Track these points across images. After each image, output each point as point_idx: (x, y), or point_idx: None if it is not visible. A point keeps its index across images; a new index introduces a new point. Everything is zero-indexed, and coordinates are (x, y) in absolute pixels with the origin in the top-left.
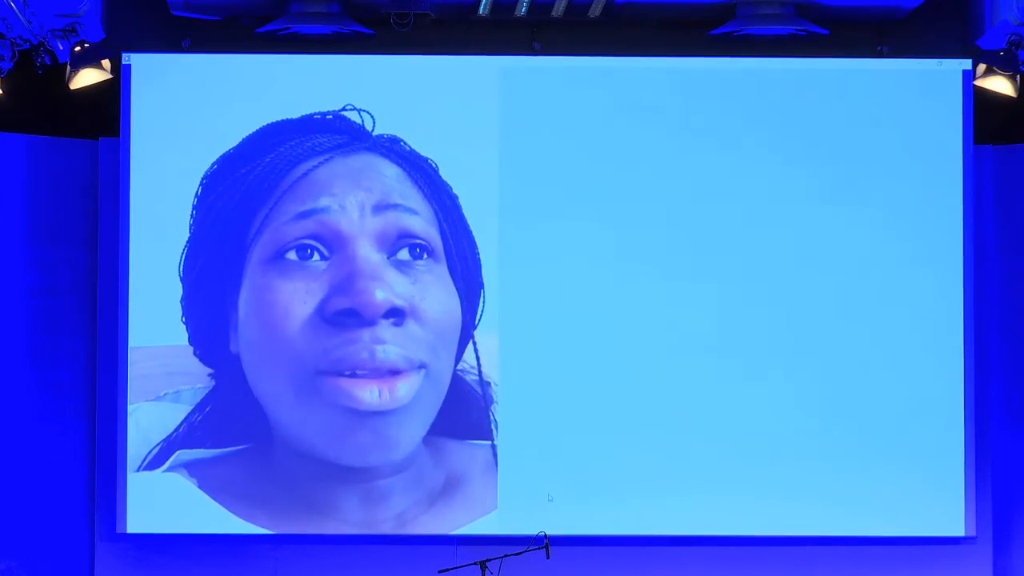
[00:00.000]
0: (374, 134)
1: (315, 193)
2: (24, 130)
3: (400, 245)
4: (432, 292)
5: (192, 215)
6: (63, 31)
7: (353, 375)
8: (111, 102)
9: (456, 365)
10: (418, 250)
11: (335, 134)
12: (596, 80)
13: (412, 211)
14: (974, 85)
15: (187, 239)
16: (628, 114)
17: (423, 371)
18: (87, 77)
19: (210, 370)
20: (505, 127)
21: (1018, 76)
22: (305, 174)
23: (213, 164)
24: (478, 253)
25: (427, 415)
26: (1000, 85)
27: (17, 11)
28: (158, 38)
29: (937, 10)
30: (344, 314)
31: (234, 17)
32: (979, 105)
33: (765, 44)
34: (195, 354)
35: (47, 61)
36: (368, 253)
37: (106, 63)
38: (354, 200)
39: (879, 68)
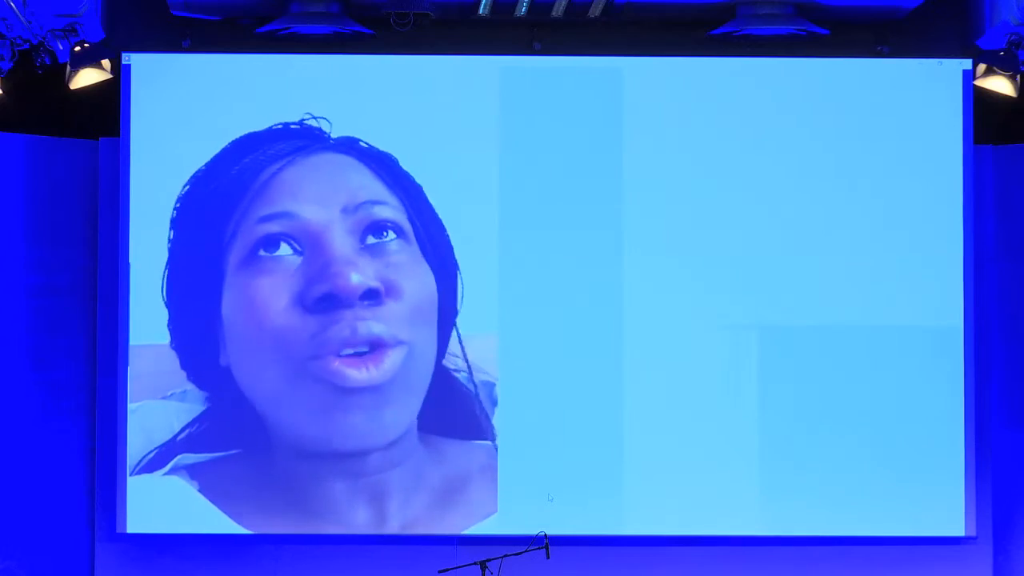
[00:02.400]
0: (332, 137)
1: (282, 194)
2: (24, 130)
3: (370, 232)
4: (406, 269)
5: (169, 238)
6: (63, 31)
7: (344, 353)
8: (111, 102)
9: (441, 349)
10: (389, 232)
11: (295, 139)
12: (596, 80)
13: (380, 202)
14: (974, 85)
15: (166, 262)
16: (628, 114)
17: (406, 348)
18: (87, 77)
19: (205, 393)
20: (505, 127)
21: (1018, 76)
22: (271, 177)
23: (185, 185)
24: (448, 236)
25: (414, 395)
26: (1000, 85)
27: (17, 11)
28: (158, 38)
29: (937, 10)
30: (323, 299)
31: (234, 17)
32: (979, 105)
33: (765, 44)
34: (188, 379)
35: (47, 61)
36: (340, 243)
37: (106, 63)
38: (322, 199)
39: (879, 68)
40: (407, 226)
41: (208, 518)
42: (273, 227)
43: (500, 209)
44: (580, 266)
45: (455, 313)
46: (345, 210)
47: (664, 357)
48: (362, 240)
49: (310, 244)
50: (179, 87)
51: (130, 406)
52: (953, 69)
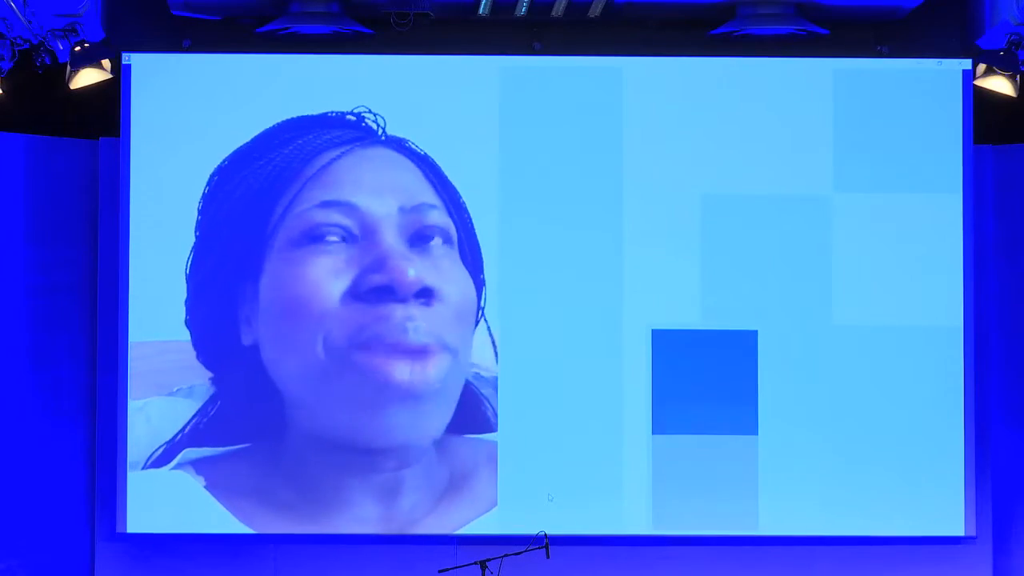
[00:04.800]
0: (385, 135)
1: (341, 182)
2: (24, 130)
3: (419, 233)
4: (451, 275)
5: (199, 214)
6: (63, 31)
7: (388, 353)
8: (111, 102)
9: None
10: (436, 236)
11: (350, 129)
12: (596, 80)
13: (432, 206)
14: (974, 85)
15: (194, 239)
16: (628, 114)
17: (449, 355)
18: (87, 77)
19: (211, 374)
20: (505, 127)
21: (1018, 76)
22: (328, 163)
23: (224, 160)
24: (480, 251)
25: (449, 403)
26: (1000, 85)
27: (17, 11)
28: (158, 38)
29: (937, 10)
30: (378, 291)
31: (234, 17)
32: (979, 105)
33: (765, 44)
34: (198, 358)
35: (47, 61)
36: (394, 239)
37: (106, 63)
38: (381, 193)
39: (879, 68)
40: (453, 232)
41: (211, 515)
42: (333, 213)
43: (500, 208)
44: (580, 266)
45: (476, 323)
46: (403, 208)
47: (664, 356)
48: (411, 240)
49: (366, 235)
50: (179, 87)
51: (136, 403)
52: (953, 69)
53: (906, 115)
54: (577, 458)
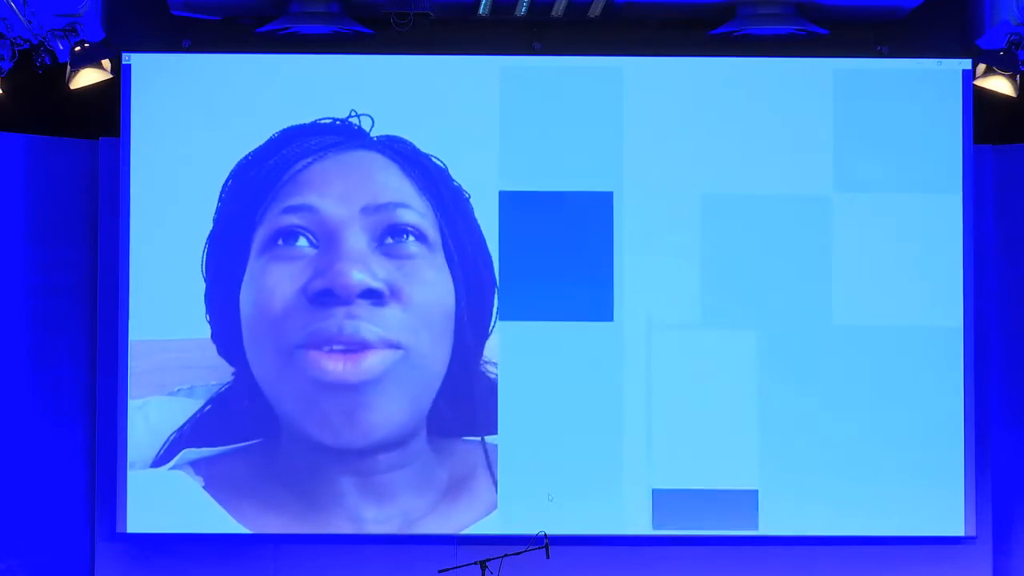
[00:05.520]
0: (374, 136)
1: (306, 188)
2: (24, 130)
3: (389, 233)
4: (420, 276)
5: (216, 210)
6: (63, 31)
7: (327, 350)
8: (111, 102)
9: (458, 359)
10: (408, 236)
11: (334, 135)
12: (596, 80)
13: (403, 204)
14: (974, 85)
15: (208, 235)
16: (628, 114)
17: (399, 351)
18: (87, 77)
19: (233, 369)
20: (505, 127)
21: (1018, 76)
22: (300, 170)
23: (234, 168)
24: (488, 253)
25: (405, 400)
26: (1000, 85)
27: (17, 11)
28: (158, 38)
29: (937, 10)
30: (322, 294)
31: (234, 17)
32: (979, 105)
33: (765, 44)
34: (219, 352)
35: (47, 61)
36: (355, 242)
37: (106, 63)
38: (344, 196)
39: (879, 68)
40: (433, 233)
41: (210, 515)
42: (293, 218)
43: (500, 208)
44: (580, 265)
45: (486, 327)
46: (365, 209)
47: (664, 357)
48: (380, 240)
49: (326, 239)
50: (179, 87)
51: (136, 402)
52: (953, 69)
53: (906, 115)
54: (577, 458)
